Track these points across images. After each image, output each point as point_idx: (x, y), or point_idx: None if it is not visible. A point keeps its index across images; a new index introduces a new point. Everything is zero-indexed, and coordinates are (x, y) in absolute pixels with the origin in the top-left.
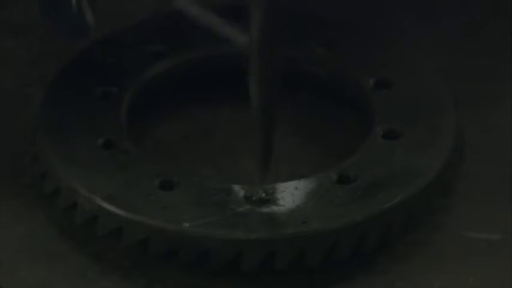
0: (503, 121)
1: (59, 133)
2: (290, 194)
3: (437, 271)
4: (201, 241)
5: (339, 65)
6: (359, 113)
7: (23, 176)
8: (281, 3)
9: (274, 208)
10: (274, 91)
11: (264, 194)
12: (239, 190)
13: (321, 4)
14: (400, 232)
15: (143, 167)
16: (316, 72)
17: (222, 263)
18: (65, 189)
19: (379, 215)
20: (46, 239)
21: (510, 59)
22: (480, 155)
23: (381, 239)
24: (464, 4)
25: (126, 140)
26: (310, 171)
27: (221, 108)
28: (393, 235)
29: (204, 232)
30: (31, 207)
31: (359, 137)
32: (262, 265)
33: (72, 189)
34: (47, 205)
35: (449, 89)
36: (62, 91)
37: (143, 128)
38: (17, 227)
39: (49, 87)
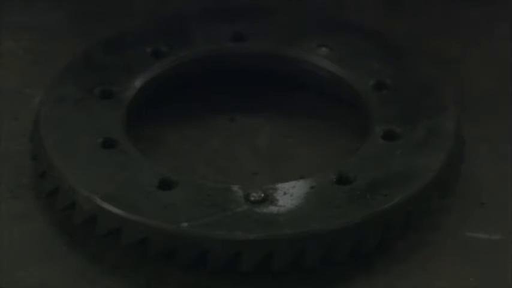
0: (503, 121)
1: (59, 133)
2: (289, 195)
3: (437, 271)
4: (200, 241)
5: (339, 65)
6: (359, 114)
7: (23, 176)
8: None
9: (273, 208)
10: None
11: (262, 194)
12: (238, 190)
13: (321, 4)
14: (399, 232)
15: (143, 167)
16: (316, 72)
17: (220, 263)
18: (64, 188)
19: (378, 216)
20: (46, 239)
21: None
22: (480, 155)
23: (380, 239)
24: None
25: (125, 140)
26: (310, 171)
27: (221, 108)
28: (393, 235)
29: (203, 232)
30: (31, 207)
31: (359, 137)
32: (261, 265)
33: (71, 188)
34: (46, 205)
35: (449, 89)
36: (62, 91)
37: (143, 128)
38: (17, 227)
39: (49, 87)
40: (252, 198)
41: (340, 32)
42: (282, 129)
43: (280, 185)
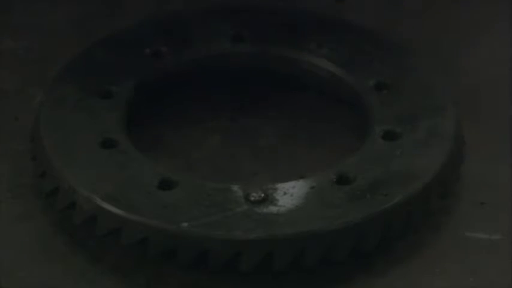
0: (503, 121)
1: (59, 133)
2: (289, 194)
3: (437, 271)
4: (200, 241)
5: (339, 66)
6: (359, 114)
7: (23, 176)
8: None
9: (273, 208)
10: None
11: (262, 194)
12: (238, 190)
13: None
14: (399, 232)
15: (142, 166)
16: (316, 72)
17: (220, 263)
18: (64, 188)
19: (378, 216)
20: (46, 239)
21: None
22: (480, 155)
23: (380, 239)
24: None
25: (125, 140)
26: (310, 171)
27: (221, 108)
28: (392, 235)
29: (203, 232)
30: (31, 207)
31: (359, 137)
32: (261, 265)
33: (71, 188)
34: (46, 205)
35: (449, 90)
36: (62, 91)
37: (143, 128)
38: (17, 227)
39: (49, 87)
40: (252, 198)
41: (340, 32)
42: (282, 129)
43: (280, 185)
